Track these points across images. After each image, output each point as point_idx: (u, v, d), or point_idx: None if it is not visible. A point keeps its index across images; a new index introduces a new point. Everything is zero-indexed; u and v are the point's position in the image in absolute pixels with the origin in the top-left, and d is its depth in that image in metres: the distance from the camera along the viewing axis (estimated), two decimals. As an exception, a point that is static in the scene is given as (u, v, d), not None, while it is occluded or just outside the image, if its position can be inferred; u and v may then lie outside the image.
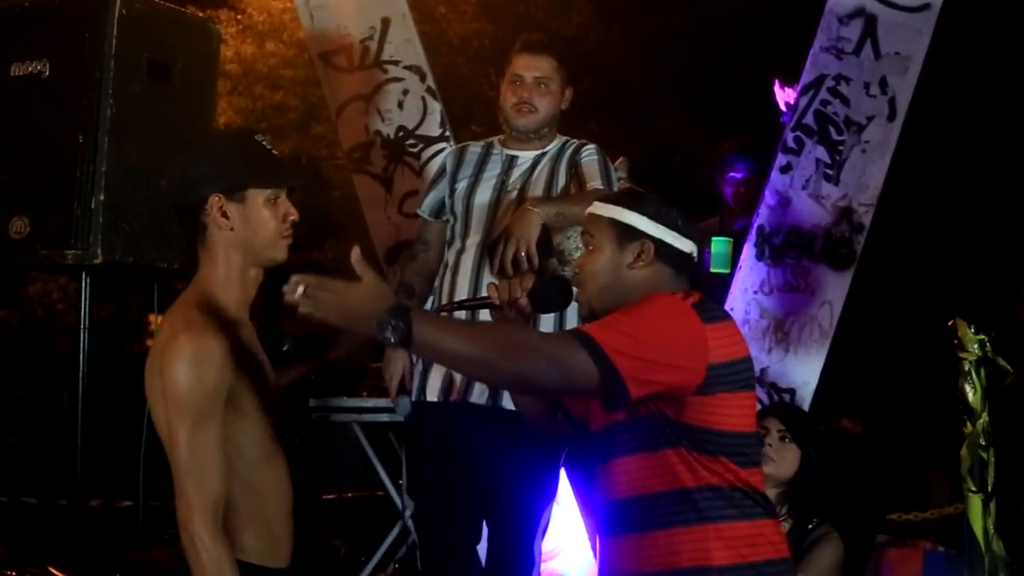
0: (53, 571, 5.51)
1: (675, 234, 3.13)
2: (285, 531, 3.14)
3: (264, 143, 3.15)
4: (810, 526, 4.39)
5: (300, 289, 2.70)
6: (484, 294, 3.42)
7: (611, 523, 3.13)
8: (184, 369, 2.93)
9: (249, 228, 3.10)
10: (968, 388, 4.69)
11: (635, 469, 3.05)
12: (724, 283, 5.97)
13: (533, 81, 4.70)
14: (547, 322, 4.48)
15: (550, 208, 4.42)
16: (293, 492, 3.20)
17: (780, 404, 5.68)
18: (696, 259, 3.20)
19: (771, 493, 4.33)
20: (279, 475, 3.16)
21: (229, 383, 2.98)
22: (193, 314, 3.02)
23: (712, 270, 6.10)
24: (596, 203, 3.24)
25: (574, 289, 3.26)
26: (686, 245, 3.15)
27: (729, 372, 2.98)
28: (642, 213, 3.13)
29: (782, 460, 4.40)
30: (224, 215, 3.07)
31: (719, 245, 6.08)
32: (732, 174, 6.45)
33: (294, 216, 3.15)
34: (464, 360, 2.85)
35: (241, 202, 3.08)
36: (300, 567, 3.19)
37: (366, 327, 2.70)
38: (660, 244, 3.11)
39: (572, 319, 4.57)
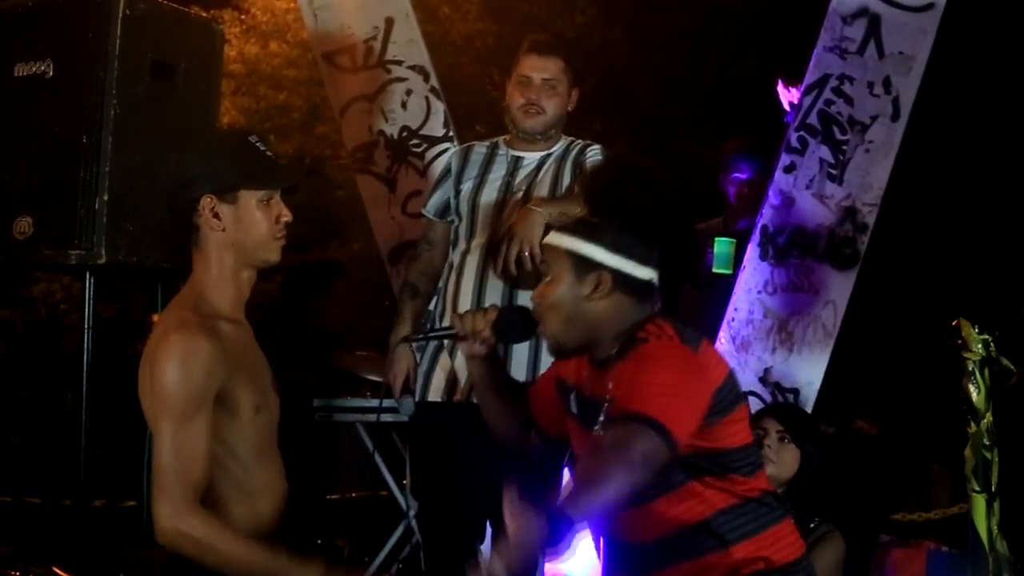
0: (57, 571, 5.51)
1: (633, 263, 3.07)
2: (262, 530, 3.12)
3: (258, 144, 3.14)
4: (811, 525, 4.39)
5: None
6: (448, 324, 3.44)
7: (633, 565, 3.13)
8: (172, 368, 2.93)
9: (241, 229, 3.09)
10: (972, 388, 4.69)
11: (653, 515, 3.04)
12: (727, 283, 5.97)
13: (541, 83, 4.69)
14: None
15: (553, 208, 4.41)
16: (288, 492, 3.20)
17: (777, 404, 5.67)
18: (656, 284, 3.14)
19: None
20: (272, 475, 3.16)
21: (219, 383, 2.98)
22: (185, 314, 3.02)
23: (714, 270, 6.09)
24: (552, 233, 3.21)
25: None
26: (645, 273, 3.09)
27: (725, 390, 2.99)
28: (598, 243, 3.07)
29: (782, 461, 4.39)
30: (216, 216, 3.07)
31: (721, 246, 6.07)
32: (736, 174, 6.44)
33: (287, 218, 3.14)
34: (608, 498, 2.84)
35: (233, 203, 3.08)
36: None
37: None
38: (617, 274, 3.06)
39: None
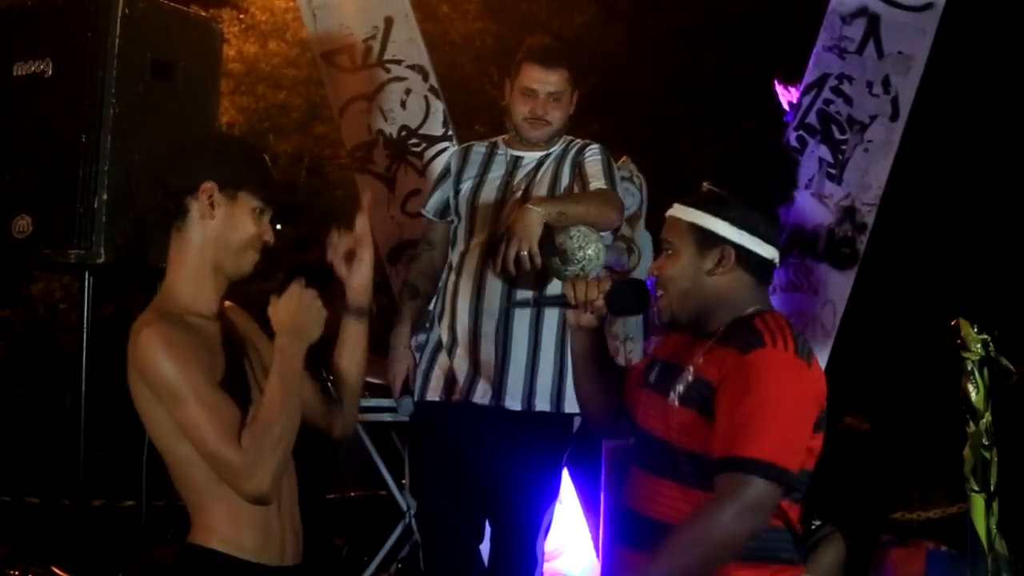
0: (56, 571, 5.51)
1: (757, 240, 3.03)
2: (287, 529, 3.12)
3: (268, 163, 3.16)
4: (813, 526, 4.37)
5: None
6: (559, 292, 3.39)
7: (631, 534, 3.09)
8: (162, 357, 2.91)
9: (230, 226, 3.08)
10: (971, 388, 4.69)
11: (661, 493, 3.02)
12: None
13: (546, 95, 4.67)
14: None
15: (552, 207, 4.41)
16: (297, 490, 3.19)
17: None
18: (777, 265, 3.12)
19: None
20: None
21: (207, 364, 2.98)
22: (147, 316, 3.02)
23: None
24: (676, 206, 3.14)
25: (654, 294, 3.19)
26: (768, 251, 3.05)
27: (825, 409, 2.97)
28: (723, 218, 3.03)
29: None
30: (211, 204, 3.06)
31: None
32: None
33: (269, 239, 3.11)
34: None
35: (231, 199, 3.07)
36: (305, 567, 3.18)
37: None
38: (741, 250, 3.02)
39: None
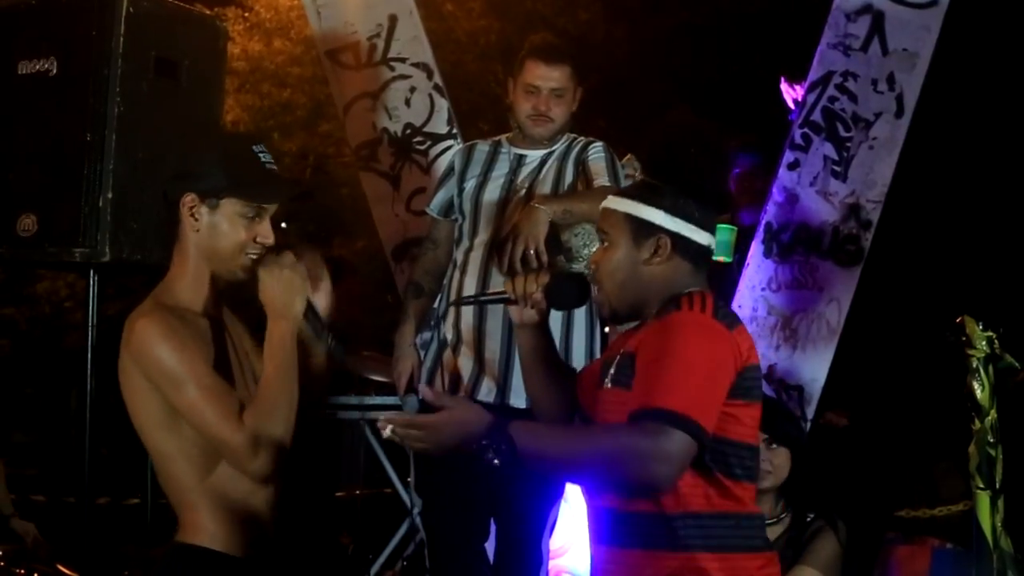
0: (61, 569, 5.52)
1: (692, 227, 3.03)
2: (257, 524, 3.11)
3: (260, 154, 3.12)
4: (808, 519, 4.36)
5: (388, 430, 2.78)
6: (501, 289, 3.39)
7: (603, 529, 3.05)
8: (161, 346, 2.94)
9: (213, 236, 3.07)
10: (976, 385, 4.68)
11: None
12: (731, 279, 5.97)
13: (549, 92, 4.68)
14: (555, 320, 4.48)
15: (557, 205, 4.41)
16: (279, 489, 3.18)
17: None
18: (714, 251, 3.13)
19: (766, 497, 4.31)
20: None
21: (204, 353, 2.99)
22: (145, 306, 3.04)
23: (714, 258, 6.10)
24: (610, 197, 3.14)
25: (592, 287, 3.21)
26: (704, 238, 3.06)
27: (752, 374, 2.94)
28: (658, 207, 3.02)
29: (776, 466, 4.34)
30: (193, 216, 3.07)
31: (723, 233, 6.09)
32: (736, 169, 6.49)
33: (268, 240, 3.10)
34: (574, 470, 2.89)
35: (213, 208, 3.07)
36: (295, 560, 3.17)
37: (467, 452, 2.73)
38: (677, 238, 3.02)
39: (579, 317, 4.57)
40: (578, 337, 4.61)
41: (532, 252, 4.30)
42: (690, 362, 2.82)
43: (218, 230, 3.07)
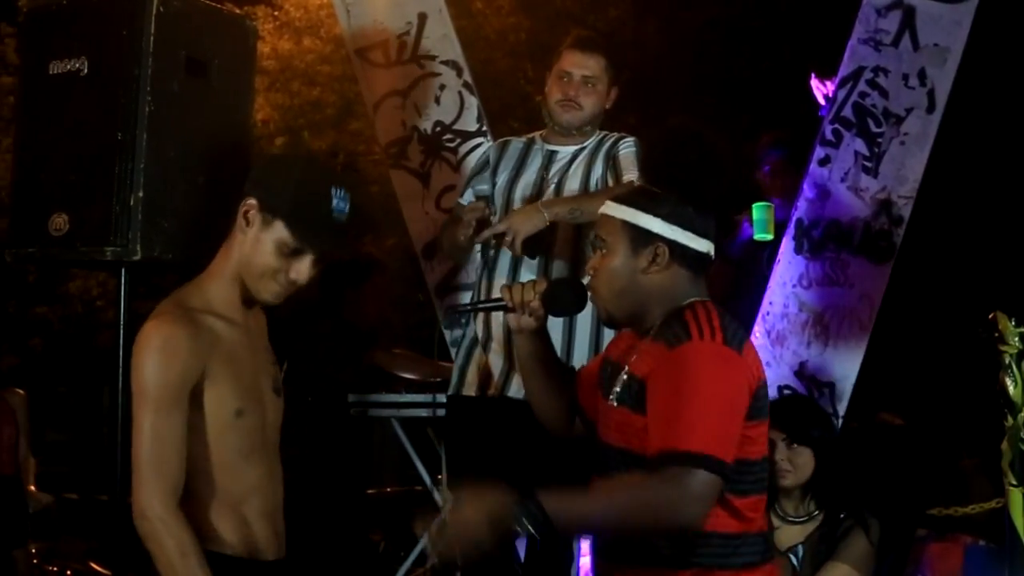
0: (94, 566, 5.55)
1: (690, 234, 3.01)
2: (269, 528, 3.12)
3: (335, 198, 3.09)
4: (842, 516, 4.35)
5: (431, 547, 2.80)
6: (497, 295, 3.40)
7: (613, 550, 3.06)
8: (150, 359, 2.94)
9: (253, 247, 3.07)
10: (1009, 381, 4.66)
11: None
12: (761, 255, 6.00)
13: (581, 79, 4.70)
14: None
15: (562, 207, 4.44)
16: (282, 495, 3.19)
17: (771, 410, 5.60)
18: (713, 259, 3.10)
19: (791, 495, 4.31)
20: (261, 478, 3.13)
21: (196, 375, 2.98)
22: (167, 307, 3.04)
23: (755, 237, 6.12)
24: (608, 203, 3.12)
25: (588, 294, 3.20)
26: (702, 245, 3.03)
27: (761, 394, 2.94)
28: (656, 214, 3.00)
29: (797, 466, 4.34)
30: (246, 220, 3.07)
31: (759, 211, 6.11)
32: (766, 163, 6.50)
33: (299, 279, 3.10)
34: (608, 531, 2.91)
35: (266, 224, 3.06)
36: (325, 561, 3.19)
37: (504, 533, 2.73)
38: (675, 246, 3.00)
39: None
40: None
41: (508, 239, 4.34)
42: (707, 398, 2.82)
43: (259, 246, 3.07)
